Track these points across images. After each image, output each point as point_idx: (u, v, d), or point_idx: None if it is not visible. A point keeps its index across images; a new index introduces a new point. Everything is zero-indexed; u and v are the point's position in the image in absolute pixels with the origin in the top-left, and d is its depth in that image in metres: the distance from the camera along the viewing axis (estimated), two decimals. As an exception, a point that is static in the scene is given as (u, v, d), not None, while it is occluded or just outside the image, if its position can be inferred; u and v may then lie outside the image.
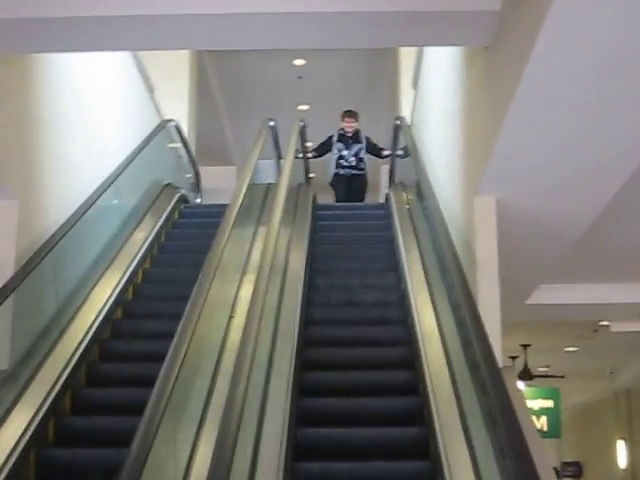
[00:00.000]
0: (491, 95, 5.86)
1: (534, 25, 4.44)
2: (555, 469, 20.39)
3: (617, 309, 10.38)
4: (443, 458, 5.18)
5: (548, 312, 10.23)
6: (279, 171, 12.15)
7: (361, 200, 12.56)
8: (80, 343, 6.72)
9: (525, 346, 13.42)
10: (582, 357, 14.28)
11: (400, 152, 11.63)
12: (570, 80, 4.85)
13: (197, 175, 13.10)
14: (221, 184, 17.16)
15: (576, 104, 5.12)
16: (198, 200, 12.93)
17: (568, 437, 19.63)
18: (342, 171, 12.58)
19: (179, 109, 13.18)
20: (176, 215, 10.63)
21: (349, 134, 12.59)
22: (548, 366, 15.15)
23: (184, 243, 9.66)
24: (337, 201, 12.61)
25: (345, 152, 12.53)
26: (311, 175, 13.55)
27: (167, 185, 10.83)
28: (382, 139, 12.99)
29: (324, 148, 12.78)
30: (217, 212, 9.37)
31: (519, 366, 14.00)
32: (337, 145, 12.59)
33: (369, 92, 17.06)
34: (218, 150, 18.27)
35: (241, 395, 4.41)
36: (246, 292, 6.69)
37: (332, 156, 12.62)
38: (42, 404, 5.88)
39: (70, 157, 7.77)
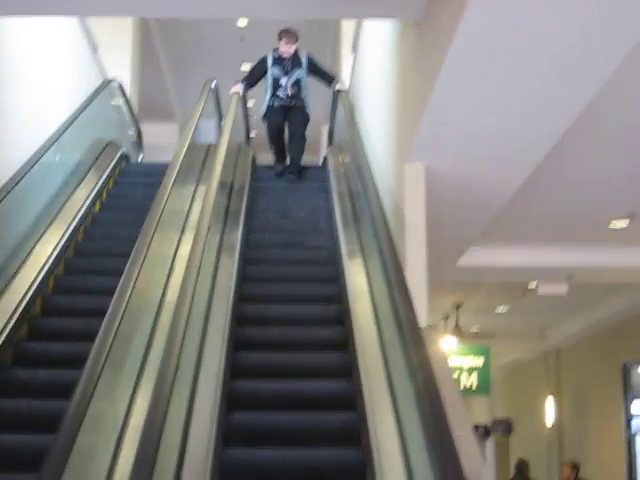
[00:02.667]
0: (421, 67, 6.13)
1: (461, 1, 4.71)
2: (485, 426, 20.97)
3: (545, 272, 10.77)
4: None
5: (478, 274, 10.58)
6: (220, 131, 12.37)
7: (301, 135, 10.68)
8: (22, 298, 6.91)
9: (457, 306, 13.76)
10: (512, 317, 14.69)
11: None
12: (494, 55, 5.14)
13: (139, 133, 13.21)
14: (163, 141, 17.30)
15: (500, 78, 5.43)
16: (140, 158, 13.06)
17: (499, 395, 20.16)
18: (278, 102, 10.60)
19: (122, 67, 13.29)
20: (117, 173, 10.76)
21: (287, 57, 10.53)
22: (479, 326, 15.52)
23: (125, 201, 9.82)
24: (270, 139, 10.95)
25: (283, 79, 10.55)
26: (252, 135, 13.72)
27: (109, 143, 10.96)
28: (322, 100, 13.06)
29: (256, 74, 10.78)
30: (158, 171, 9.68)
31: (451, 325, 14.37)
32: (272, 71, 10.58)
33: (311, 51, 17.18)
34: (160, 107, 18.34)
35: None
36: (185, 249, 6.99)
37: (266, 85, 10.68)
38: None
39: (14, 114, 7.93)
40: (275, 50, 10.56)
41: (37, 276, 7.31)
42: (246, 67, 16.82)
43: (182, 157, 7.88)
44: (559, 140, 6.35)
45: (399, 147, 7.28)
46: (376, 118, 8.90)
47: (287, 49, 10.45)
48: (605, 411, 14.69)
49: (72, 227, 8.44)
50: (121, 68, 12.97)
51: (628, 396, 14.13)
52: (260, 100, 11.05)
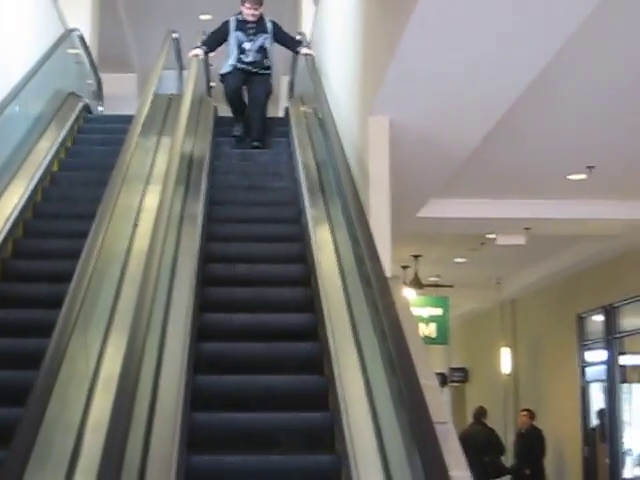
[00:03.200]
0: (386, 22, 6.20)
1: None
2: (443, 374, 21.29)
3: (502, 223, 10.94)
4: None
5: (438, 225, 10.73)
6: (181, 82, 12.37)
7: (262, 104, 10.07)
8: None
9: (416, 256, 13.88)
10: (470, 268, 14.86)
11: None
12: (459, 11, 5.23)
13: (99, 84, 13.17)
14: (122, 91, 17.25)
15: (464, 34, 5.53)
16: (100, 109, 13.03)
17: (456, 344, 20.42)
18: (240, 65, 9.92)
19: (82, 16, 13.17)
20: (80, 124, 10.76)
21: (251, 22, 9.94)
22: (438, 276, 15.68)
23: (87, 154, 9.85)
24: (229, 100, 10.17)
25: (247, 44, 9.90)
26: (212, 84, 13.65)
27: (70, 94, 10.94)
28: (282, 55, 13.03)
29: (217, 38, 10.17)
30: (119, 122, 9.81)
31: (410, 275, 14.54)
32: (235, 35, 9.94)
33: (271, 4, 17.12)
34: (119, 58, 18.20)
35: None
36: (150, 201, 7.09)
37: (228, 50, 10.05)
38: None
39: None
40: (238, 14, 9.99)
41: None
42: (205, 17, 16.82)
43: (146, 109, 7.93)
44: (519, 97, 6.47)
45: (363, 100, 7.36)
46: (339, 70, 8.96)
47: (251, 12, 9.88)
48: (560, 360, 15.00)
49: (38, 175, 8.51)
50: (80, 17, 12.86)
51: (582, 345, 14.44)
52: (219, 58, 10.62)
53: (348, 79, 8.26)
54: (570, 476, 14.50)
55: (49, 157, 9.05)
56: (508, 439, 15.93)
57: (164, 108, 10.19)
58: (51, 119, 9.80)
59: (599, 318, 13.91)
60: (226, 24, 10.04)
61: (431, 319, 14.87)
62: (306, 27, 12.91)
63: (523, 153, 8.66)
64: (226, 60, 10.01)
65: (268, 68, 10.01)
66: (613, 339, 13.42)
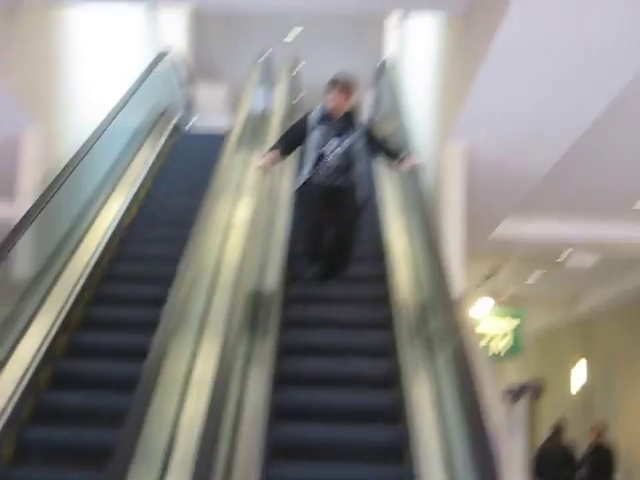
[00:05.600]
0: (465, 56, 6.69)
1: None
2: (517, 389, 21.52)
3: (576, 244, 11.27)
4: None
5: (511, 244, 11.09)
6: (271, 98, 12.93)
7: (350, 240, 7.59)
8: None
9: (491, 274, 14.22)
10: (545, 286, 15.16)
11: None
12: (533, 47, 5.69)
13: (190, 99, 13.77)
14: (212, 101, 17.84)
15: (538, 68, 6.01)
16: (192, 122, 13.64)
17: (530, 360, 20.62)
18: (318, 178, 7.38)
19: (178, 30, 13.79)
20: (174, 140, 11.37)
21: (338, 116, 7.40)
22: (513, 293, 15.97)
23: (181, 167, 10.46)
24: (304, 232, 7.74)
25: (330, 146, 7.36)
26: (301, 94, 14.02)
27: (165, 110, 11.56)
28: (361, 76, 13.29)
29: (293, 137, 7.55)
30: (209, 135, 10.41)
31: (486, 291, 14.87)
32: (317, 132, 7.38)
33: (356, 28, 17.45)
34: (210, 68, 18.78)
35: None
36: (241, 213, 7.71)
37: (307, 149, 7.47)
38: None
39: (85, 87, 8.57)
40: (323, 106, 7.47)
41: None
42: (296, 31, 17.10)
43: (239, 130, 8.50)
44: (593, 123, 6.87)
45: (440, 127, 7.83)
46: (419, 94, 9.38)
47: (340, 103, 7.36)
48: (633, 380, 15.16)
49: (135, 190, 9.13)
50: (177, 32, 13.48)
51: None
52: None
53: (427, 104, 8.71)
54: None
55: (147, 167, 9.70)
56: (579, 454, 16.13)
57: (254, 124, 10.71)
58: (148, 133, 10.43)
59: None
60: (305, 119, 7.54)
61: (505, 334, 15.15)
62: (389, 48, 13.21)
63: (594, 176, 9.00)
64: (301, 170, 7.60)
65: (355, 180, 7.45)
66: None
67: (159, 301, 5.81)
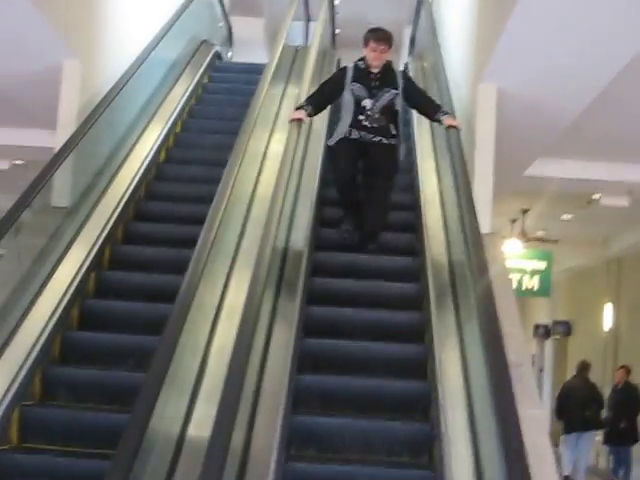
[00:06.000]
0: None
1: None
2: (546, 327, 21.73)
3: (607, 185, 11.33)
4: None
5: (544, 183, 11.15)
6: (307, 33, 13.01)
7: (385, 194, 7.43)
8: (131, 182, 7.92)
9: (524, 211, 14.32)
10: (576, 225, 15.18)
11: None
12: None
13: (230, 30, 13.86)
14: (250, 35, 17.88)
15: (574, 6, 5.99)
16: (230, 54, 13.74)
17: (561, 299, 20.78)
18: (357, 133, 7.23)
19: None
20: (211, 71, 11.50)
21: (376, 70, 7.24)
22: (545, 230, 16.07)
23: (218, 97, 10.60)
24: (338, 186, 7.47)
25: (367, 102, 7.18)
26: (337, 32, 14.08)
27: (203, 41, 11.67)
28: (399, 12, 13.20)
29: (328, 92, 7.45)
30: (247, 68, 10.55)
31: (517, 229, 15.00)
32: (352, 87, 7.21)
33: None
34: (248, 1, 18.78)
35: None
36: (276, 146, 7.86)
37: (343, 106, 7.36)
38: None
39: (122, 17, 8.69)
40: (359, 60, 7.34)
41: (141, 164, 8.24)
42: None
43: (275, 63, 8.59)
44: (627, 64, 6.88)
45: (474, 67, 7.91)
46: (454, 35, 9.46)
47: (377, 57, 7.18)
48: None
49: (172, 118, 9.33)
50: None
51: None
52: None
53: (461, 45, 8.78)
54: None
55: (185, 96, 9.92)
56: (606, 393, 16.33)
57: (290, 59, 10.82)
58: (186, 65, 10.57)
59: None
60: (342, 73, 7.37)
61: (534, 272, 15.30)
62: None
63: (629, 119, 9.05)
64: (336, 124, 7.48)
65: (394, 137, 7.31)
66: None
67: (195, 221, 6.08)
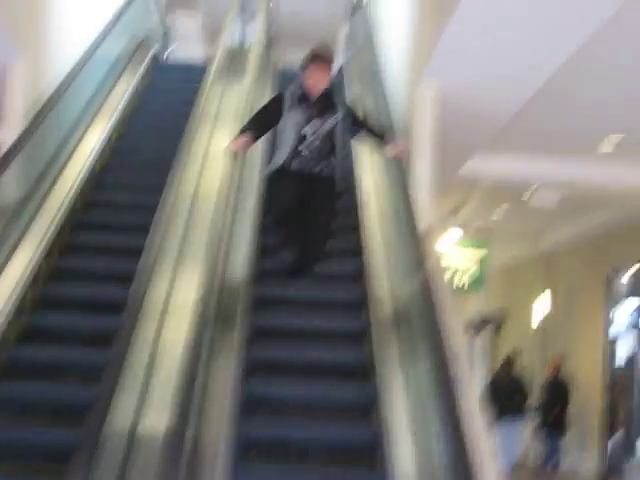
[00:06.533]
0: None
1: None
2: (478, 321, 22.06)
3: (541, 181, 11.65)
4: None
5: (479, 179, 11.43)
6: (249, 29, 13.06)
7: (325, 226, 7.06)
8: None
9: (459, 206, 14.54)
10: (510, 221, 15.54)
11: None
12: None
13: (167, 29, 13.90)
14: (187, 29, 17.87)
15: (513, 11, 6.24)
16: (169, 50, 13.80)
17: (493, 293, 21.09)
18: (297, 164, 6.87)
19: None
20: (151, 70, 11.57)
21: (315, 96, 6.89)
22: (480, 227, 16.31)
23: (160, 97, 10.70)
24: (275, 215, 7.16)
25: (307, 129, 6.84)
26: (271, 33, 14.11)
27: (142, 40, 11.74)
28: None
29: (269, 118, 6.97)
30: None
31: (454, 224, 15.22)
32: (294, 112, 6.85)
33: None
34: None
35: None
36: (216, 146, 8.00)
37: (280, 134, 6.95)
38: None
39: (65, 15, 8.76)
40: (297, 85, 6.94)
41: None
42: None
43: (216, 64, 8.74)
44: (563, 64, 7.15)
45: (413, 68, 8.10)
46: (394, 32, 9.59)
47: (318, 80, 6.83)
48: (590, 314, 15.65)
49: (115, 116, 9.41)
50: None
51: (611, 300, 15.08)
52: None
53: (400, 45, 8.95)
54: (591, 420, 15.26)
55: (126, 95, 9.99)
56: (536, 386, 16.67)
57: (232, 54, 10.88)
58: (126, 63, 10.65)
59: (628, 276, 14.52)
60: (278, 100, 6.98)
61: (472, 265, 15.57)
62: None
63: (561, 117, 9.33)
64: (275, 153, 7.01)
65: (334, 167, 6.96)
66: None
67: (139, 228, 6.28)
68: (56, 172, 7.82)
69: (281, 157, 6.83)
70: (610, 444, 14.67)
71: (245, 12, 13.05)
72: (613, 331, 15.01)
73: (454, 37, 6.69)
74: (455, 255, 15.23)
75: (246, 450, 5.44)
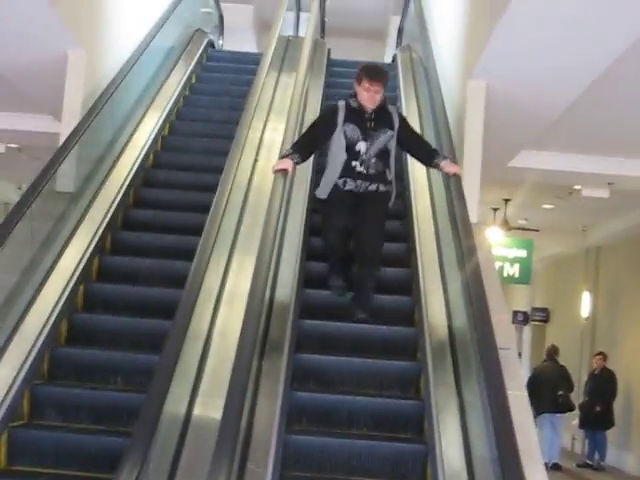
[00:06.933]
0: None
1: None
2: (525, 313, 22.11)
3: (587, 177, 11.69)
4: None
5: (526, 174, 11.50)
6: (298, 23, 13.23)
7: (378, 248, 6.58)
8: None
9: (506, 200, 14.63)
10: (557, 215, 15.57)
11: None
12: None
13: (221, 19, 14.06)
14: (238, 22, 18.00)
15: (561, 11, 6.29)
16: (221, 42, 13.96)
17: (540, 286, 21.16)
18: (349, 184, 6.49)
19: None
20: (205, 59, 11.74)
21: (370, 110, 6.49)
22: (526, 219, 16.40)
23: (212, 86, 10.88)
24: (328, 240, 6.68)
25: (362, 145, 6.45)
26: (326, 19, 14.20)
27: (197, 30, 11.90)
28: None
29: (318, 135, 6.60)
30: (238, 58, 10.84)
31: (499, 217, 15.33)
32: (345, 129, 6.47)
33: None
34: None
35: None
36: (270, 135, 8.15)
37: (332, 150, 6.57)
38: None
39: (126, 7, 8.95)
40: (351, 98, 6.57)
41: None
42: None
43: (271, 53, 8.86)
44: (609, 67, 7.22)
45: (464, 64, 8.21)
46: (444, 32, 9.71)
47: (371, 98, 6.42)
48: (637, 308, 15.68)
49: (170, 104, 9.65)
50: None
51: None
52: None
53: (451, 40, 9.06)
54: (637, 417, 15.27)
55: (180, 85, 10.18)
56: (582, 379, 16.72)
57: (283, 48, 11.03)
58: (181, 53, 10.83)
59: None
60: (333, 112, 6.57)
61: (515, 260, 15.64)
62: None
63: (609, 116, 9.38)
64: (327, 170, 6.66)
65: (390, 182, 6.64)
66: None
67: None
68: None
69: (332, 175, 6.51)
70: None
71: (298, 3, 13.22)
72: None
73: (505, 33, 6.77)
74: (504, 246, 15.29)
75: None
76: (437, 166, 6.49)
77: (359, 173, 6.44)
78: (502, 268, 15.65)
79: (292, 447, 5.33)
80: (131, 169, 8.12)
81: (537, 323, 21.89)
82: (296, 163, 6.24)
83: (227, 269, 6.35)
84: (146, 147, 8.59)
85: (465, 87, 7.81)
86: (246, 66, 10.97)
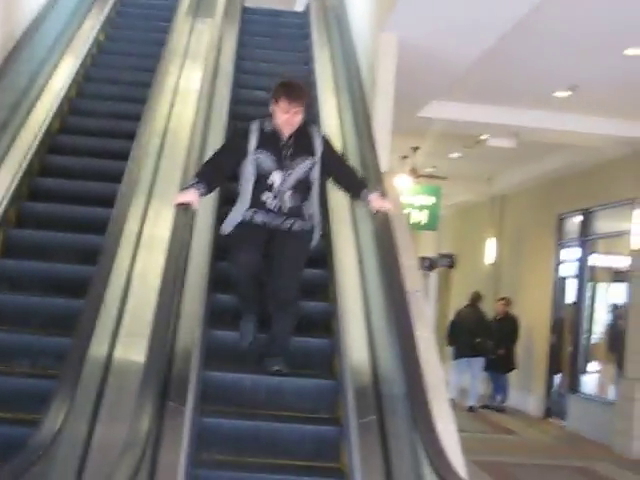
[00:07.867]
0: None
1: None
2: (431, 259, 22.55)
3: (494, 127, 12.04)
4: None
5: (436, 124, 11.79)
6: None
7: (294, 295, 5.74)
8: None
9: (415, 149, 14.87)
10: (464, 163, 15.91)
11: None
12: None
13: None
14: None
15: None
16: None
17: (447, 233, 21.56)
18: (261, 217, 5.66)
19: None
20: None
21: (287, 134, 5.62)
22: (435, 167, 16.69)
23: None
24: (238, 280, 5.77)
25: (276, 175, 5.60)
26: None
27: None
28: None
29: (227, 164, 5.74)
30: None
31: (408, 165, 15.59)
32: (257, 156, 5.60)
33: None
34: None
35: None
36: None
37: (244, 176, 5.67)
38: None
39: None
40: (266, 119, 5.67)
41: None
42: None
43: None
44: (517, 22, 7.54)
45: (376, 17, 8.42)
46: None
47: (290, 121, 5.56)
48: (539, 255, 16.17)
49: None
50: None
51: (560, 243, 15.60)
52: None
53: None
54: (538, 360, 15.82)
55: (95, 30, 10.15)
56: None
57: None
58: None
59: (577, 220, 15.03)
60: (243, 135, 5.68)
61: (423, 207, 15.88)
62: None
63: (517, 69, 9.70)
64: (235, 204, 5.75)
65: (308, 219, 5.76)
66: (586, 240, 14.59)
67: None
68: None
69: (241, 209, 5.65)
70: (556, 381, 15.27)
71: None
72: (562, 272, 15.52)
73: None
74: (412, 193, 15.56)
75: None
76: (365, 198, 5.69)
77: (269, 209, 5.61)
78: (410, 215, 15.89)
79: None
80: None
81: (444, 268, 22.31)
82: (201, 195, 5.44)
83: (145, 214, 6.48)
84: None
85: (378, 38, 8.01)
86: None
